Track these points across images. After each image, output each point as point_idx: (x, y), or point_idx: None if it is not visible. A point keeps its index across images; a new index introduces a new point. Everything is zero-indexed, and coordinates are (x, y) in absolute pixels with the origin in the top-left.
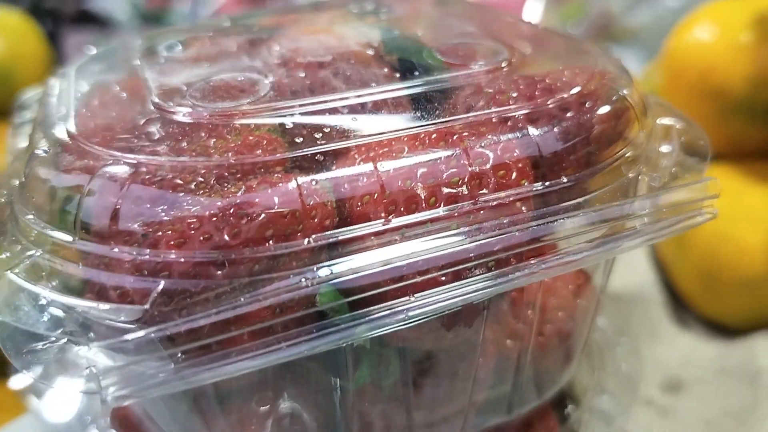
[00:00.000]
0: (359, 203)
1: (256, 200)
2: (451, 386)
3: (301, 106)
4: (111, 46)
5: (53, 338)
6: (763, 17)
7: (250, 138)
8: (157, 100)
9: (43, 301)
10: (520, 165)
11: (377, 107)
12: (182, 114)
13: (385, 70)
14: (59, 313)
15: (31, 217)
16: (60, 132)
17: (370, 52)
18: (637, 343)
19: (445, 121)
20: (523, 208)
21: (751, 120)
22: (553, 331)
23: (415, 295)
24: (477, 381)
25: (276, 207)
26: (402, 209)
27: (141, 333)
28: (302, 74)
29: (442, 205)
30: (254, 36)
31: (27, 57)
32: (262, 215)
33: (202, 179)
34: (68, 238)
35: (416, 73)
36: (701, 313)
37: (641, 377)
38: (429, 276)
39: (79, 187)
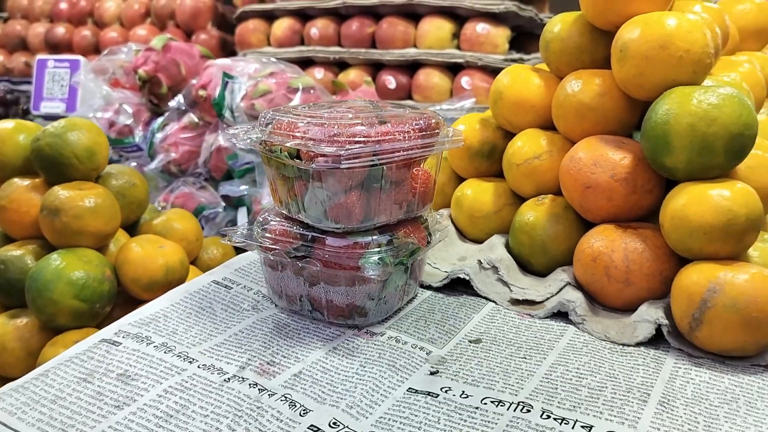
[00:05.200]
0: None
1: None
2: (398, 191)
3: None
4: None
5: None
6: (482, 120)
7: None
8: (291, 118)
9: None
10: (416, 129)
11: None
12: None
13: (372, 113)
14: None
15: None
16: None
17: (369, 106)
18: (448, 246)
19: (398, 116)
20: (419, 139)
21: (481, 160)
22: (420, 189)
23: (385, 157)
24: (406, 194)
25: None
26: (386, 139)
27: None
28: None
29: (402, 138)
30: (323, 107)
31: (101, 143)
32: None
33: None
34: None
35: (385, 113)
36: (468, 235)
37: (448, 258)
38: (396, 150)
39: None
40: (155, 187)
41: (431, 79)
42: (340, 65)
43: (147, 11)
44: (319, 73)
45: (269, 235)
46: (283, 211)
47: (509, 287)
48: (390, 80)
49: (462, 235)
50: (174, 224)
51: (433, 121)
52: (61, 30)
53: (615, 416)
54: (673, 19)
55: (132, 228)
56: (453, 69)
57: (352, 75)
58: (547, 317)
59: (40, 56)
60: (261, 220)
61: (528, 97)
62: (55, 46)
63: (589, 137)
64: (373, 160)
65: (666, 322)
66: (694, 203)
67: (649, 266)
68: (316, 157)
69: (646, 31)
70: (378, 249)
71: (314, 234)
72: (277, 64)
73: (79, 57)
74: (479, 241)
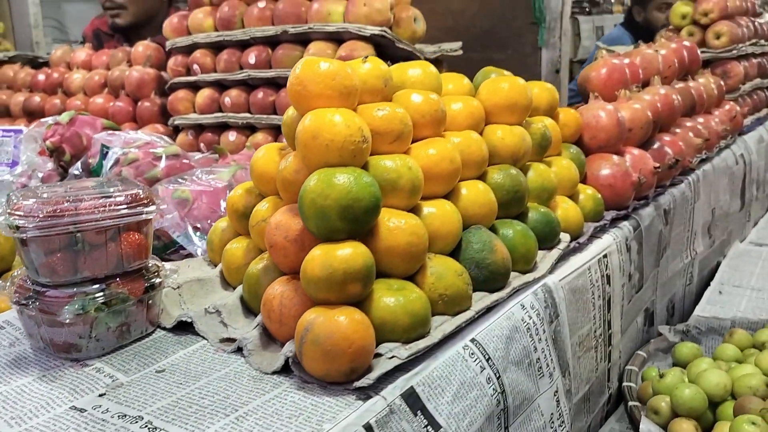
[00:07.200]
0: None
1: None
2: (100, 252)
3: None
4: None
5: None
6: (248, 187)
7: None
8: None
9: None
10: (115, 203)
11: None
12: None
13: (89, 191)
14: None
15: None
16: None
17: (90, 185)
18: (209, 294)
19: (105, 193)
20: (116, 211)
21: (246, 221)
22: (128, 249)
23: (81, 226)
24: (111, 254)
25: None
26: (82, 212)
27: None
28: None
29: (98, 211)
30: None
31: None
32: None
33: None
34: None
35: (97, 190)
36: (231, 284)
37: (204, 303)
38: (90, 220)
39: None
40: None
41: None
42: (251, 128)
43: (105, 82)
44: (232, 136)
45: (15, 287)
46: None
47: (227, 328)
48: None
49: (228, 284)
50: None
51: (142, 195)
52: (37, 99)
53: (192, 425)
54: (330, 115)
55: None
56: None
57: (259, 137)
58: (233, 351)
59: None
60: (16, 274)
61: (268, 170)
62: (31, 113)
63: (285, 206)
64: (68, 228)
65: (292, 354)
66: (310, 260)
67: (296, 310)
68: (20, 228)
69: (307, 124)
70: (82, 298)
71: (37, 287)
72: (153, 136)
73: (22, 127)
74: (235, 286)
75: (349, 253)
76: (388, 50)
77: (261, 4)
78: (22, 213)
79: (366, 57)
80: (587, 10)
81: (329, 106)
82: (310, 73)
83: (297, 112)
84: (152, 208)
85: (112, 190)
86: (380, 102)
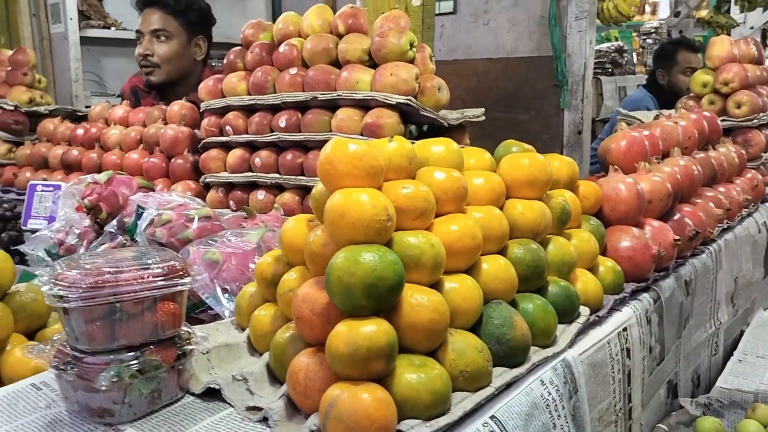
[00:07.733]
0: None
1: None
2: (135, 321)
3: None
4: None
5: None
6: (277, 255)
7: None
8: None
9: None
10: (153, 275)
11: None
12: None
13: (127, 262)
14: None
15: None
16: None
17: (129, 257)
18: (236, 360)
19: (144, 265)
20: (152, 283)
21: (275, 288)
22: (162, 319)
23: (120, 296)
24: (146, 323)
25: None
26: (122, 284)
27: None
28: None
29: (136, 283)
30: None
31: (6, 269)
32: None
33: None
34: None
35: (136, 262)
36: (257, 350)
37: (232, 369)
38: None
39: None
40: None
41: None
42: (280, 188)
43: (141, 138)
44: (261, 195)
45: (54, 352)
46: None
47: (254, 396)
48: None
49: (255, 350)
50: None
51: (178, 267)
52: (74, 152)
53: None
54: (357, 195)
55: (34, 334)
56: None
57: (287, 197)
58: (259, 421)
59: (32, 181)
60: (55, 339)
61: (296, 242)
62: (68, 166)
63: (311, 278)
64: (108, 299)
65: (315, 428)
66: (335, 336)
67: (320, 384)
68: (64, 297)
69: (335, 202)
70: (118, 365)
71: (75, 353)
72: (186, 198)
73: (61, 183)
74: (262, 352)
75: (373, 331)
76: (412, 117)
77: (293, 71)
78: (66, 284)
79: (392, 137)
80: (610, 71)
81: (356, 185)
82: (339, 154)
83: (326, 188)
84: (187, 279)
85: (150, 261)
86: (405, 179)
